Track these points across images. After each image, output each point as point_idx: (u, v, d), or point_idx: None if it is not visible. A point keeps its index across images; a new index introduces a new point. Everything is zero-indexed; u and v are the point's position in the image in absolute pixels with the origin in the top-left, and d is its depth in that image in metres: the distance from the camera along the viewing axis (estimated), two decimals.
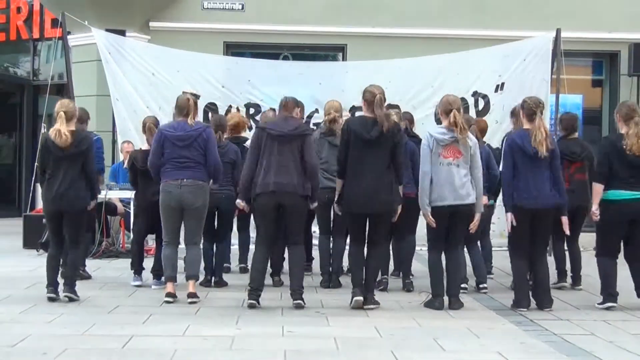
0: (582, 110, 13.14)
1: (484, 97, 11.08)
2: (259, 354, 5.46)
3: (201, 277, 7.98)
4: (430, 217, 7.03)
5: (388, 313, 6.83)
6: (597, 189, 7.16)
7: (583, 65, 13.94)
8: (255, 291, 7.01)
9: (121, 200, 10.50)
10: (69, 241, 7.28)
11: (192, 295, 7.17)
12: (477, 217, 7.13)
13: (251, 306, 6.93)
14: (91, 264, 9.26)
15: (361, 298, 6.93)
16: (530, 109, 7.08)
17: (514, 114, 8.46)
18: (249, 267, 8.85)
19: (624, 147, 6.98)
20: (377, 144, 6.91)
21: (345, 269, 8.58)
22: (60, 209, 7.22)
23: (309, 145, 7.07)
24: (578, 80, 13.17)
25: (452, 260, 7.12)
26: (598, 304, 7.19)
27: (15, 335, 5.81)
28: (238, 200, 7.59)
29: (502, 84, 11.00)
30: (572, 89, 11.55)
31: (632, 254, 7.23)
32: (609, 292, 7.15)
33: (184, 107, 7.37)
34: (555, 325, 6.43)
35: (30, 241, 10.67)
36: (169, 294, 7.19)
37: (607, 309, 7.07)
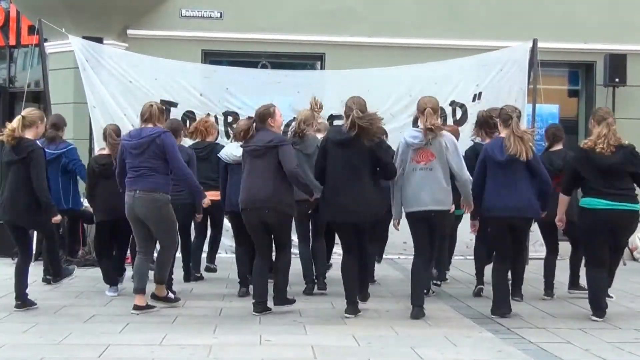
0: (558, 120, 13.22)
1: (462, 106, 11.11)
2: None
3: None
4: (396, 225, 7.11)
5: (366, 321, 6.83)
6: (563, 200, 7.20)
7: (559, 75, 14.03)
8: (259, 304, 7.03)
9: None
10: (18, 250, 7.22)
11: (150, 305, 7.10)
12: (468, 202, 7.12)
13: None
14: None
15: (353, 315, 6.94)
16: (506, 114, 7.08)
17: (477, 123, 8.45)
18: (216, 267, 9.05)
19: (596, 150, 6.90)
20: (355, 148, 6.79)
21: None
22: (5, 218, 7.17)
23: (284, 154, 6.98)
24: (554, 90, 13.26)
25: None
26: (591, 315, 7.05)
27: None
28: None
29: (480, 93, 11.04)
30: (548, 99, 11.62)
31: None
32: (594, 306, 7.04)
33: (144, 112, 7.21)
34: (532, 334, 6.47)
35: (4, 249, 10.57)
36: (135, 307, 7.06)
37: (594, 320, 6.97)
